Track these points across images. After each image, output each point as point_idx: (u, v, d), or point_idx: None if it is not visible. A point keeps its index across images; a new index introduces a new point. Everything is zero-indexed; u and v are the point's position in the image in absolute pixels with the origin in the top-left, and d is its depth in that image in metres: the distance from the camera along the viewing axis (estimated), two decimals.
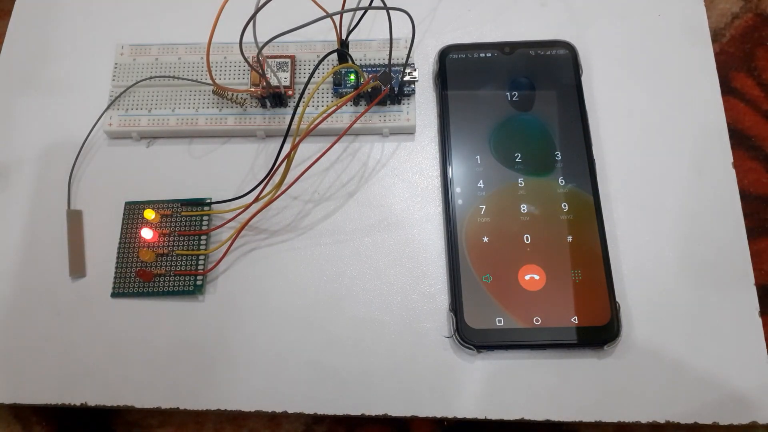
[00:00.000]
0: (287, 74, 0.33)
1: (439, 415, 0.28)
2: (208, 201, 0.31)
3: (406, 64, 0.32)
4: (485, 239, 0.30)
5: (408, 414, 0.28)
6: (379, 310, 0.29)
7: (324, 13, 0.27)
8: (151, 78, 0.33)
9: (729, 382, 0.27)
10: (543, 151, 0.31)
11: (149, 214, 0.30)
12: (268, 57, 0.33)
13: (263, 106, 0.32)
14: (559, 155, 0.31)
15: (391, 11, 0.27)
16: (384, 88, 0.30)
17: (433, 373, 0.28)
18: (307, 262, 0.30)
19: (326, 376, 0.28)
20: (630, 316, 0.29)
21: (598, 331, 0.28)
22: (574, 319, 0.28)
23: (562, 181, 0.30)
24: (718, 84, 0.33)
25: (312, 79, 0.32)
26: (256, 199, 0.29)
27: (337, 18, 0.31)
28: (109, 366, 0.29)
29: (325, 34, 0.34)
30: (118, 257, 0.30)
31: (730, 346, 0.28)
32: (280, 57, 0.33)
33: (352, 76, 0.32)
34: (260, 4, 0.25)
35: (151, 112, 0.33)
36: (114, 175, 0.32)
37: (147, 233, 0.30)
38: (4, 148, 0.33)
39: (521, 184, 0.31)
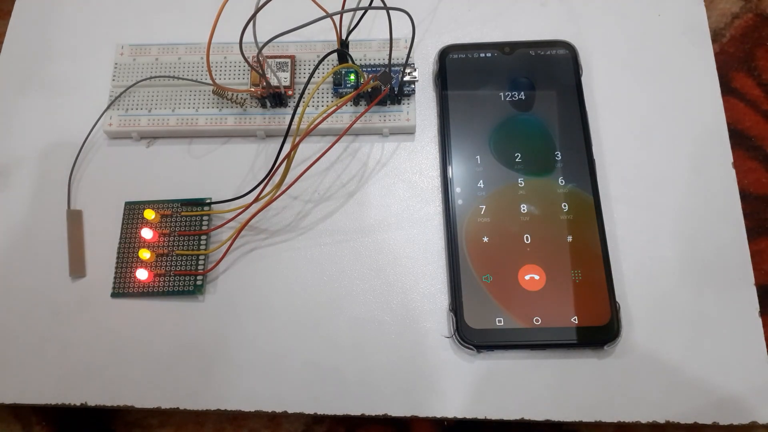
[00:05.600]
0: (287, 74, 0.33)
1: (439, 415, 0.28)
2: (208, 201, 0.31)
3: (406, 64, 0.32)
4: (485, 239, 0.29)
5: (408, 414, 0.28)
6: (379, 310, 0.29)
7: (324, 13, 0.27)
8: (151, 78, 0.33)
9: (729, 383, 0.27)
10: (543, 151, 0.31)
11: (149, 214, 0.30)
12: (268, 57, 0.33)
13: (263, 106, 0.32)
14: (559, 155, 0.31)
15: (391, 11, 0.27)
16: (384, 88, 0.30)
17: (433, 373, 0.28)
18: (307, 262, 0.30)
19: (326, 376, 0.28)
20: (630, 316, 0.29)
21: (598, 331, 0.28)
22: (574, 319, 0.28)
23: (562, 181, 0.30)
24: (718, 84, 0.33)
25: (312, 79, 0.32)
26: (256, 199, 0.29)
27: (337, 18, 0.31)
28: (109, 366, 0.29)
29: (325, 34, 0.34)
30: (118, 257, 0.30)
31: (730, 347, 0.28)
32: (280, 57, 0.33)
33: (352, 76, 0.32)
34: (260, 4, 0.25)
35: (151, 112, 0.33)
36: (114, 175, 0.32)
37: (147, 233, 0.30)
38: (4, 148, 0.33)
39: (521, 184, 0.31)
